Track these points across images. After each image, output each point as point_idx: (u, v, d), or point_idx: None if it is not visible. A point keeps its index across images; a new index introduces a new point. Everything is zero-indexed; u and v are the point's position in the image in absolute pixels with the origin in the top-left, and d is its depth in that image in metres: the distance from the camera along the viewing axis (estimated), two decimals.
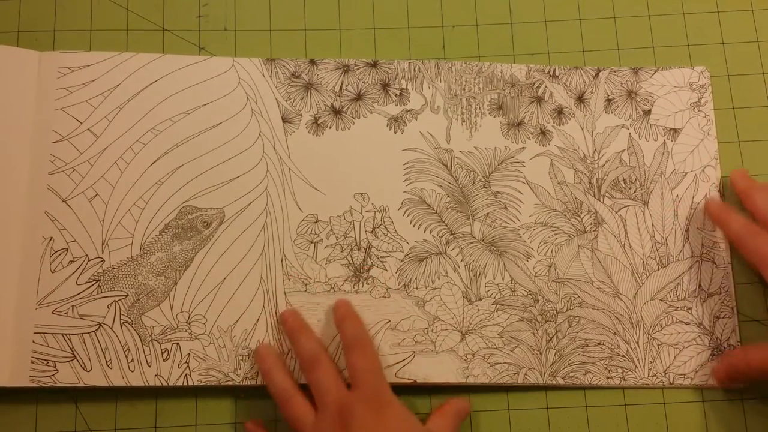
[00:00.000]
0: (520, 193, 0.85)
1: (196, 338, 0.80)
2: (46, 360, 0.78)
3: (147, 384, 0.79)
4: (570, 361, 0.82)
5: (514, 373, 0.81)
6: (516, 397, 0.82)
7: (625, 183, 0.86)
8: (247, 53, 0.88)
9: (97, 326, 0.80)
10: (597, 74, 0.88)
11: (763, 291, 0.85)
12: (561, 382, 0.81)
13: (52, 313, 0.79)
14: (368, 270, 0.83)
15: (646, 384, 0.82)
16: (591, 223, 0.85)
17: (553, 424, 0.82)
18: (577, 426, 0.82)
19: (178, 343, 0.80)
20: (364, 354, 0.77)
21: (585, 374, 0.82)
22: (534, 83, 0.88)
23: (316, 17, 0.90)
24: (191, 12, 0.89)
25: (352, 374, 0.76)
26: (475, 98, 0.87)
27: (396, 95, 0.87)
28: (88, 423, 0.80)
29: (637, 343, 0.83)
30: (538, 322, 0.82)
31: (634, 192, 0.86)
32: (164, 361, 0.80)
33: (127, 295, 0.80)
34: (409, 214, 0.84)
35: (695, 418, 0.82)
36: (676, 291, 0.84)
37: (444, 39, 0.90)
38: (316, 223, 0.83)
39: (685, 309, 0.84)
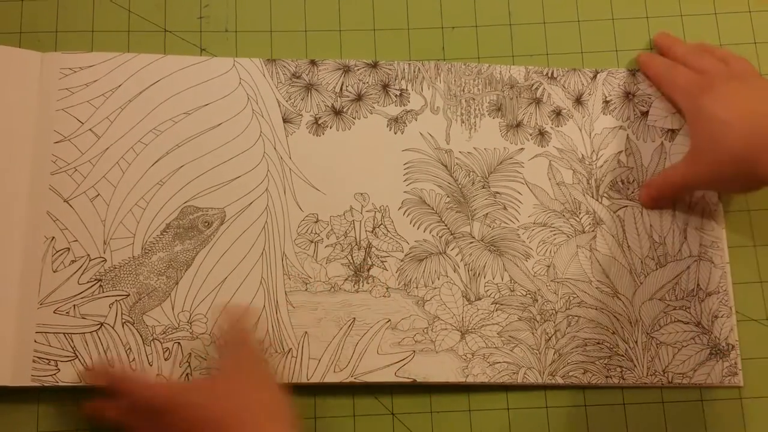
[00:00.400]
0: (519, 193, 0.86)
1: (197, 338, 0.80)
2: (47, 359, 0.79)
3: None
4: (569, 361, 0.82)
5: (514, 373, 0.82)
6: (515, 397, 0.83)
7: (623, 183, 0.86)
8: (248, 54, 0.88)
9: (99, 326, 0.80)
10: (595, 76, 0.89)
11: (762, 290, 0.85)
12: (560, 381, 0.82)
13: (54, 312, 0.79)
14: (368, 269, 0.83)
15: (645, 383, 0.82)
16: (589, 224, 0.85)
17: (552, 423, 0.82)
18: (576, 425, 0.82)
19: (179, 343, 0.80)
20: (135, 382, 0.78)
21: (584, 373, 0.82)
22: (532, 85, 0.88)
23: (316, 18, 0.90)
24: (192, 13, 0.90)
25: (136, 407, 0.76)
26: (474, 99, 0.87)
27: (396, 96, 0.87)
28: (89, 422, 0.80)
29: (636, 342, 0.83)
30: (537, 322, 0.83)
31: (632, 192, 0.86)
32: (165, 360, 0.80)
33: (128, 295, 0.81)
34: (409, 214, 0.85)
35: (694, 417, 0.83)
36: (675, 290, 0.84)
37: (443, 40, 0.90)
38: (316, 222, 0.84)
39: (684, 308, 0.84)
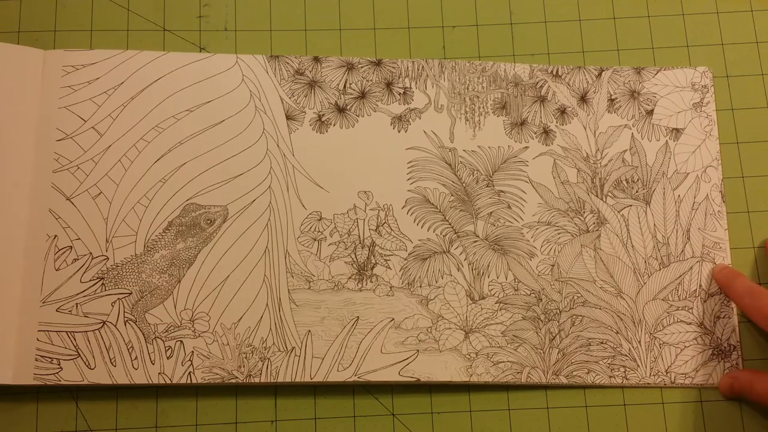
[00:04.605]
0: (524, 192, 0.86)
1: (199, 336, 0.80)
2: (50, 358, 0.78)
3: (151, 382, 0.79)
4: (573, 360, 0.82)
5: (518, 372, 0.81)
6: (516, 397, 0.83)
7: (627, 183, 0.86)
8: (248, 53, 0.87)
9: (101, 324, 0.79)
10: (600, 74, 0.89)
11: None
12: (564, 381, 0.82)
13: (56, 310, 0.79)
14: (372, 268, 0.83)
15: (648, 383, 0.82)
16: (594, 223, 0.85)
17: (553, 423, 0.82)
18: (577, 426, 0.82)
19: (181, 341, 0.80)
20: None
21: (588, 373, 0.82)
22: (537, 83, 0.88)
23: (316, 17, 0.90)
24: (192, 12, 0.89)
25: None
26: (478, 97, 0.87)
27: (400, 94, 0.87)
28: (88, 422, 0.80)
29: (639, 342, 0.83)
30: (542, 321, 0.83)
31: (637, 192, 0.86)
32: (168, 359, 0.79)
33: (131, 293, 0.80)
34: (412, 213, 0.84)
35: (694, 417, 0.83)
36: (678, 291, 0.84)
37: (444, 39, 0.90)
38: (319, 220, 0.83)
39: (686, 309, 0.84)
